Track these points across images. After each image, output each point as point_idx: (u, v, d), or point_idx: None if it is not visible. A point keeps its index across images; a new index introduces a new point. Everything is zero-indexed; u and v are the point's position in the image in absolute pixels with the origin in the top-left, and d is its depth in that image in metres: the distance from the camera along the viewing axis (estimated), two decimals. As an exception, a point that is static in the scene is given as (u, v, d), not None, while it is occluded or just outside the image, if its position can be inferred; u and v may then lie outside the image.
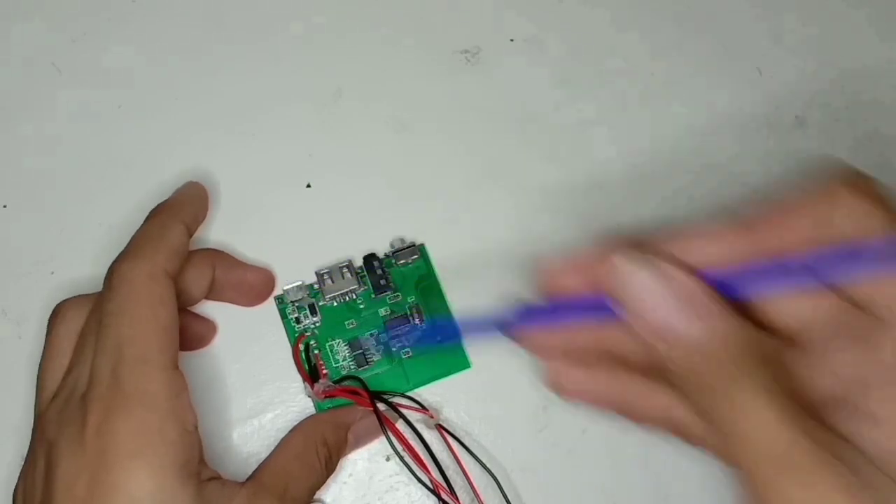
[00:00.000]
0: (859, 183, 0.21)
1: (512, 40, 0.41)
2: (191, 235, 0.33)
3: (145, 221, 0.33)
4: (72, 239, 0.37)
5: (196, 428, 0.29)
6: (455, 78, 0.40)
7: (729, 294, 0.21)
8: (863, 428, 0.19)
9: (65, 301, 0.32)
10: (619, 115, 0.40)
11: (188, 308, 0.35)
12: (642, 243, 0.23)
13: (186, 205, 0.34)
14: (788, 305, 0.22)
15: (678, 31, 0.41)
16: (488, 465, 0.35)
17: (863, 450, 0.19)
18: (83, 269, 0.37)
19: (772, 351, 0.20)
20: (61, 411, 0.29)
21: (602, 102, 0.40)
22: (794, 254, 0.21)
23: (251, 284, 0.36)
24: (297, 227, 0.38)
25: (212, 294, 0.35)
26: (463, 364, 0.36)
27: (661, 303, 0.20)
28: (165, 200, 0.34)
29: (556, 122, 0.40)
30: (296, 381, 0.36)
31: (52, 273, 0.37)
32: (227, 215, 0.38)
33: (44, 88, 0.39)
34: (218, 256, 0.35)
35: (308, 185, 0.38)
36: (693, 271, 0.21)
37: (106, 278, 0.30)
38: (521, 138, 0.40)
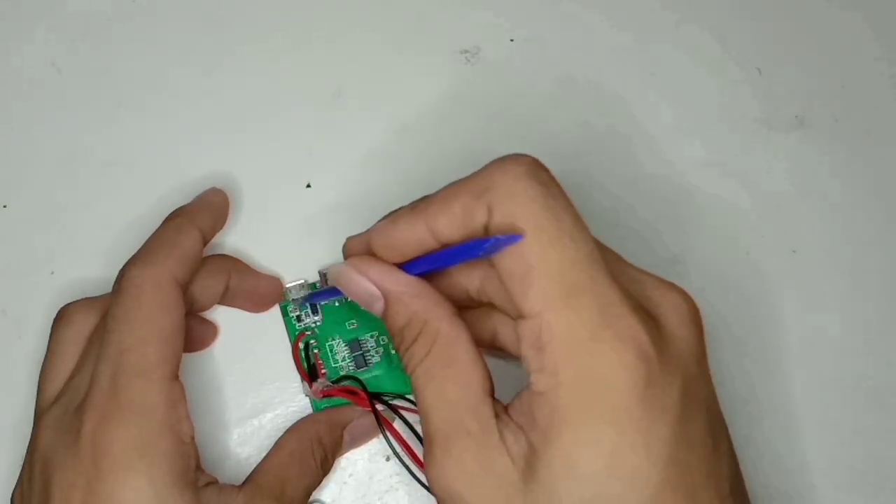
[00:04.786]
0: (511, 169, 0.26)
1: (512, 40, 0.41)
2: (206, 243, 0.33)
3: (161, 225, 0.33)
4: (72, 239, 0.37)
5: (193, 438, 0.29)
6: (455, 78, 0.40)
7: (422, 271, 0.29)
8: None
9: (70, 304, 0.33)
10: (619, 114, 0.40)
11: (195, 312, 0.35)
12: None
13: (205, 211, 0.34)
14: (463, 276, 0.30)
15: (677, 31, 0.41)
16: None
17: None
18: (83, 269, 0.37)
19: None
20: (59, 418, 0.29)
21: (602, 102, 0.40)
22: (450, 239, 0.27)
23: (262, 293, 0.36)
24: (299, 226, 0.38)
25: (222, 300, 0.35)
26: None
27: (354, 295, 0.30)
28: (185, 205, 0.34)
29: (557, 121, 0.40)
30: (296, 382, 0.36)
31: (52, 273, 0.37)
32: (229, 215, 0.38)
33: (44, 88, 0.39)
34: (233, 264, 0.35)
35: (308, 185, 0.38)
36: (371, 261, 0.29)
37: (116, 281, 0.30)
38: (522, 138, 0.40)
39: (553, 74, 0.40)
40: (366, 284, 0.29)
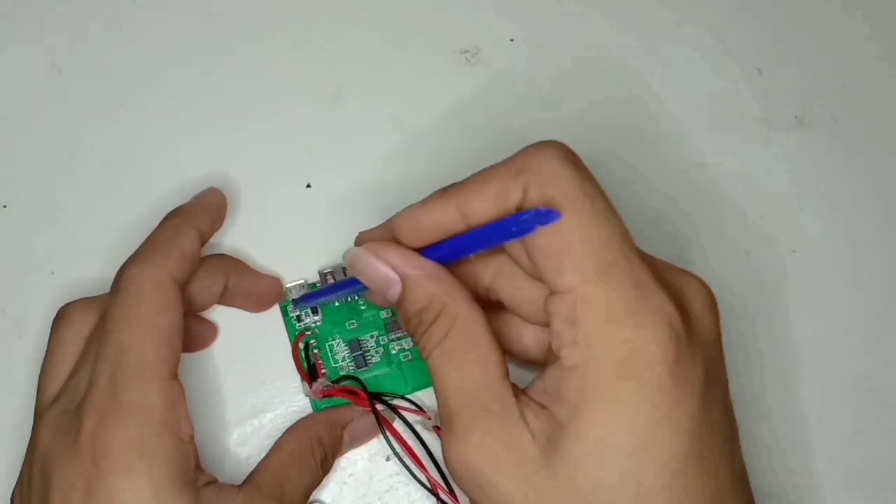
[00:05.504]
0: (546, 152, 0.27)
1: (512, 40, 0.41)
2: (204, 242, 0.33)
3: (159, 225, 0.33)
4: (72, 239, 0.37)
5: (192, 438, 0.29)
6: (455, 78, 0.40)
7: (445, 258, 0.29)
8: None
9: (69, 304, 0.33)
10: (619, 114, 0.40)
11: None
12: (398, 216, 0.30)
13: (202, 211, 0.34)
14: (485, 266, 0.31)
15: (677, 32, 0.41)
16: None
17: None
18: (83, 269, 0.37)
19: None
20: (59, 417, 0.29)
21: (602, 102, 0.40)
22: (481, 220, 0.27)
23: (261, 293, 0.36)
24: (299, 226, 0.38)
25: (221, 300, 0.35)
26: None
27: (370, 279, 0.30)
28: (182, 205, 0.34)
29: (557, 122, 0.40)
30: (296, 382, 0.36)
31: (52, 273, 0.37)
32: (227, 214, 0.38)
33: (44, 88, 0.39)
34: (232, 264, 0.35)
35: (308, 185, 0.38)
36: (390, 247, 0.30)
37: (114, 280, 0.30)
38: (521, 138, 0.39)
39: (553, 74, 0.40)
40: (384, 269, 0.29)
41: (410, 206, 0.30)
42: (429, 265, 0.29)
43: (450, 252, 0.29)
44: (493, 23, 0.41)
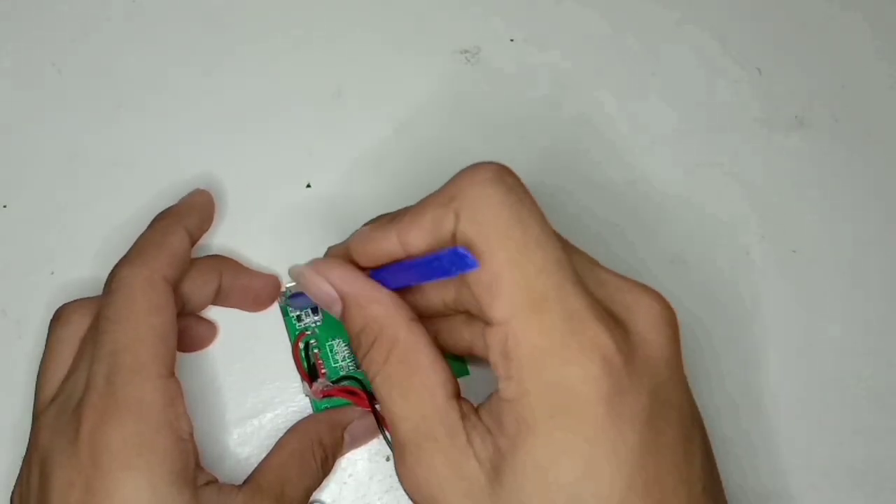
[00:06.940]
0: (476, 177, 0.26)
1: (512, 40, 0.41)
2: (194, 243, 0.33)
3: (148, 227, 0.33)
4: (72, 239, 0.37)
5: (191, 435, 0.29)
6: (455, 78, 0.40)
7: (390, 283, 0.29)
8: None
9: (67, 304, 0.33)
10: (619, 114, 0.40)
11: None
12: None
13: (191, 212, 0.34)
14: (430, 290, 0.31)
15: (677, 32, 0.41)
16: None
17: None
18: (83, 269, 0.37)
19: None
20: (57, 417, 0.29)
21: (601, 102, 0.40)
22: (419, 250, 0.27)
23: (257, 291, 0.36)
24: (299, 226, 0.38)
25: (217, 300, 0.35)
26: (461, 371, 0.36)
27: (313, 295, 0.29)
28: (171, 207, 0.35)
29: (556, 121, 0.40)
30: (296, 382, 0.36)
31: (52, 273, 0.37)
32: (227, 215, 0.38)
33: (44, 89, 0.39)
34: (225, 263, 0.35)
35: (308, 185, 0.38)
36: (338, 266, 0.29)
37: (106, 282, 0.31)
38: (521, 137, 0.40)
39: (553, 74, 0.40)
40: (325, 286, 0.29)
41: (367, 224, 0.30)
42: (368, 285, 0.28)
43: (391, 279, 0.28)
44: (493, 23, 0.41)
